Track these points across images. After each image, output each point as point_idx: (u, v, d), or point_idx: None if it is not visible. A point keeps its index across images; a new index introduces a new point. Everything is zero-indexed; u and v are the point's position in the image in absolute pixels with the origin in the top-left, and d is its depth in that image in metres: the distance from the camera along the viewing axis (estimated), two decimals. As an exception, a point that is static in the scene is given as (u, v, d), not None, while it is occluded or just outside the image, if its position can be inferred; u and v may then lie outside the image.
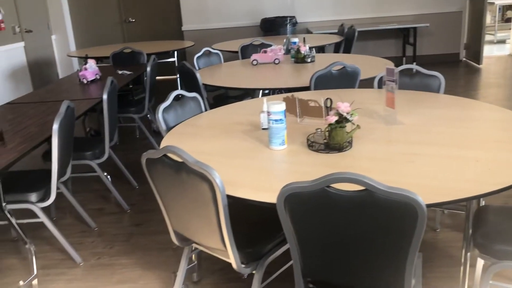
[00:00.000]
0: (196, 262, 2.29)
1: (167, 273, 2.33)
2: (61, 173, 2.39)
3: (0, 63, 6.01)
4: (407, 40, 7.23)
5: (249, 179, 1.61)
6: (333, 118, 1.80)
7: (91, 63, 3.87)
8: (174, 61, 6.08)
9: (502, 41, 9.21)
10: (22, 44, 6.52)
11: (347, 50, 5.51)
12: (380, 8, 7.23)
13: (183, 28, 7.39)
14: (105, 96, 2.84)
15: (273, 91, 4.21)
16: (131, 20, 7.62)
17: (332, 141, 1.83)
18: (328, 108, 1.86)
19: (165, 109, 2.35)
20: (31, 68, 6.69)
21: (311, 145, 1.88)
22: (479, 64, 6.92)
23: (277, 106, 1.85)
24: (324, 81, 3.03)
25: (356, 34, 5.27)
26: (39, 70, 6.96)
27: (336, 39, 5.64)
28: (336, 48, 5.79)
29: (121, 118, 4.90)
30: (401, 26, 6.74)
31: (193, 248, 1.92)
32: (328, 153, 1.81)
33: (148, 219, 2.89)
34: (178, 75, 6.26)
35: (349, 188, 1.26)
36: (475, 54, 7.08)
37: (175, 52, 5.97)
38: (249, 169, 1.70)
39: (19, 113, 2.89)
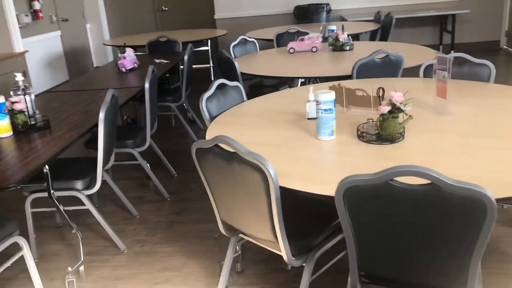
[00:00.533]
0: (240, 252, 2.29)
1: (210, 261, 2.34)
2: (105, 161, 2.41)
3: (38, 52, 6.13)
4: (445, 27, 7.02)
5: (300, 171, 1.58)
6: (385, 108, 1.74)
7: (129, 52, 3.89)
8: (208, 49, 6.07)
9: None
10: (58, 33, 6.62)
11: (384, 38, 5.39)
12: (417, -5, 7.03)
13: (216, 16, 7.36)
14: (147, 85, 2.85)
15: (312, 80, 4.16)
16: (164, 9, 7.63)
17: (384, 132, 1.78)
18: (380, 98, 1.81)
19: (208, 98, 2.34)
20: (67, 57, 6.80)
21: (362, 135, 1.83)
22: (521, 52, 6.66)
23: (326, 95, 1.81)
24: (366, 70, 2.96)
25: (394, 21, 5.14)
26: (75, 58, 7.07)
27: (372, 26, 5.52)
28: (372, 36, 5.66)
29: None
30: (439, 13, 6.54)
31: (240, 239, 1.91)
32: (380, 144, 1.76)
33: (188, 207, 2.90)
34: (211, 64, 6.26)
35: (410, 182, 1.21)
36: (517, 41, 6.82)
37: (209, 41, 5.96)
38: (299, 160, 1.67)
39: (62, 101, 2.93)
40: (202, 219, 2.74)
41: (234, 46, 4.14)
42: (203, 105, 2.29)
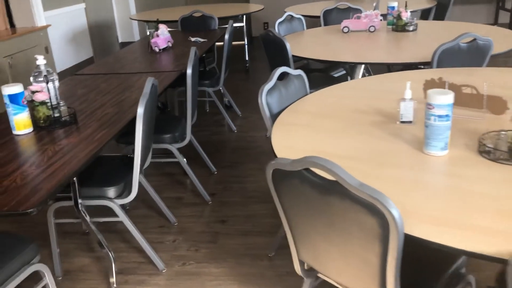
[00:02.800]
0: None
1: (265, 289, 1.94)
2: (142, 163, 2.01)
3: (62, 26, 5.73)
4: (502, 4, 6.37)
5: (419, 205, 1.15)
6: (528, 118, 1.28)
7: (163, 29, 3.45)
8: (243, 26, 5.58)
9: None
10: (83, 5, 6.20)
11: (440, 17, 4.82)
12: (471, -32, 6.38)
13: (249, -10, 6.84)
14: (189, 71, 2.42)
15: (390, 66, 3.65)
16: (194, -19, 7.13)
17: (521, 148, 1.32)
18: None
19: (268, 92, 1.90)
20: (92, 31, 6.40)
21: (486, 151, 1.38)
22: None
23: (444, 97, 1.35)
24: (449, 56, 2.47)
25: (453, -3, 4.56)
26: (99, 33, 6.66)
27: (425, 3, 4.95)
28: (424, 15, 5.09)
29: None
30: (498, -11, 5.90)
31: (315, 278, 1.50)
32: (514, 165, 1.31)
33: (233, 214, 2.50)
34: (245, 42, 5.78)
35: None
36: None
37: (244, 17, 5.47)
38: (409, 187, 1.23)
39: (90, 87, 2.52)
40: (251, 231, 2.33)
41: (279, 23, 3.66)
42: (262, 100, 1.85)
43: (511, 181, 1.23)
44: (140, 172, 1.99)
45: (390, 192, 1.21)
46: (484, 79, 2.07)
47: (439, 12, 4.88)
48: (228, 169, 3.03)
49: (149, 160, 2.26)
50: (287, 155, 1.48)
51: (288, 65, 3.00)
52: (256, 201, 2.60)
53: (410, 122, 1.65)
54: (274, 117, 1.88)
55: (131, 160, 2.20)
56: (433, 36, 3.14)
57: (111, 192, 1.94)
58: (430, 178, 1.28)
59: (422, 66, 2.67)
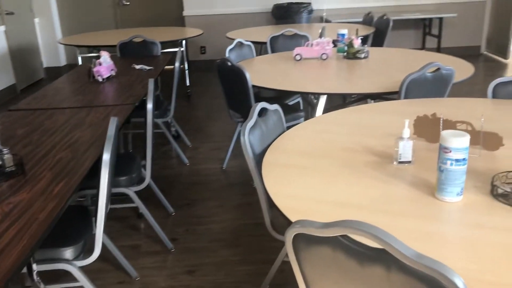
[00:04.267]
0: None
1: None
2: (106, 216, 1.74)
3: (-21, 51, 5.18)
4: (429, 31, 6.72)
5: (452, 264, 1.03)
6: (550, 160, 1.22)
7: (106, 57, 3.17)
8: (182, 51, 5.37)
9: None
10: (3, 28, 5.67)
11: (379, 43, 4.94)
12: (398, -4, 6.68)
13: (185, 13, 6.65)
14: (150, 105, 2.18)
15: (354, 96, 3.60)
16: (125, 3, 6.82)
17: (541, 192, 1.26)
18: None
19: (250, 130, 1.73)
20: (13, 56, 5.86)
21: (502, 195, 1.30)
22: (505, 58, 6.47)
23: (460, 140, 1.26)
24: (416, 87, 2.46)
25: (391, 24, 4.70)
26: (22, 58, 6.12)
27: (363, 29, 5.06)
28: (363, 41, 5.20)
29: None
30: (427, 16, 6.21)
31: None
32: (536, 210, 1.23)
33: (201, 262, 2.27)
34: (186, 67, 5.56)
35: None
36: (498, 47, 6.64)
37: (183, 41, 5.27)
38: (432, 241, 1.11)
39: (32, 125, 2.19)
40: (225, 282, 2.11)
41: (230, 50, 3.51)
42: (246, 139, 1.67)
43: (541, 229, 1.15)
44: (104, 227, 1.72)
45: (415, 249, 1.08)
46: (461, 109, 2.04)
47: (376, 39, 5.01)
48: (187, 208, 2.79)
49: (108, 208, 1.98)
50: (292, 207, 1.31)
51: (247, 95, 2.85)
52: (224, 245, 2.39)
53: (409, 162, 1.55)
54: (257, 156, 1.71)
55: (85, 210, 1.92)
56: (386, 63, 3.15)
57: (69, 253, 1.65)
58: (453, 230, 1.17)
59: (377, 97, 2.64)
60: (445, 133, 1.28)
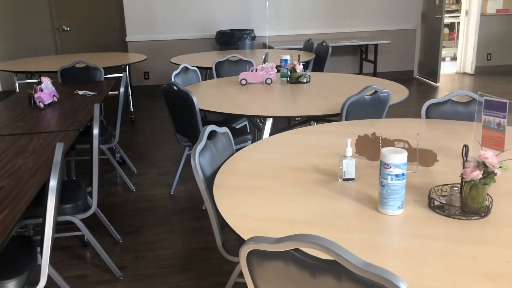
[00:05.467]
0: None
1: None
2: (52, 244, 1.68)
3: None
4: (365, 56, 7.08)
5: (396, 273, 1.10)
6: (478, 173, 1.33)
7: (47, 82, 3.09)
8: (126, 75, 5.32)
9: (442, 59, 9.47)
10: None
11: (319, 69, 5.15)
12: (336, 24, 7.01)
13: (127, 39, 6.61)
14: (96, 130, 2.15)
15: (297, 119, 3.68)
16: (66, 29, 6.68)
17: (472, 203, 1.37)
18: (464, 158, 1.40)
19: (200, 152, 1.75)
20: None
21: (438, 207, 1.40)
22: (436, 82, 6.93)
23: (399, 156, 1.35)
24: (355, 108, 2.59)
25: (330, 50, 4.93)
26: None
27: (303, 55, 5.25)
28: (304, 67, 5.40)
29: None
30: (362, 43, 6.55)
31: None
32: (469, 219, 1.34)
33: (151, 288, 2.23)
34: (130, 93, 5.51)
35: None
36: (429, 72, 7.10)
37: (127, 67, 5.23)
38: (377, 252, 1.18)
39: (-32, 153, 2.10)
40: (176, 306, 2.09)
41: (176, 75, 3.53)
42: (196, 162, 1.69)
43: (475, 237, 1.25)
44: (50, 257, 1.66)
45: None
46: (397, 129, 2.18)
47: (317, 64, 5.22)
48: (134, 235, 2.74)
49: (53, 237, 1.91)
50: (244, 226, 1.34)
51: (194, 119, 2.88)
52: (175, 270, 2.36)
53: (353, 179, 1.63)
54: (207, 179, 1.74)
55: (28, 240, 1.85)
56: (326, 87, 3.29)
57: (12, 285, 1.58)
58: (396, 241, 1.24)
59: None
60: (385, 150, 1.37)
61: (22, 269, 1.63)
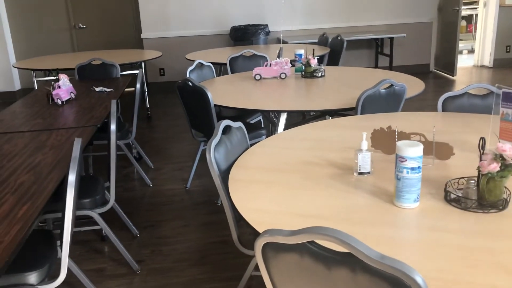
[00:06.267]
0: None
1: None
2: (71, 237, 1.72)
3: None
4: (381, 50, 7.02)
5: (414, 266, 1.09)
6: (495, 166, 1.32)
7: (65, 79, 3.14)
8: (142, 72, 5.36)
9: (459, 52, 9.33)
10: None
11: (334, 63, 5.13)
12: (351, 18, 6.96)
13: (143, 35, 6.66)
14: (113, 126, 2.18)
15: (309, 113, 3.69)
16: (82, 26, 6.76)
17: (489, 196, 1.35)
18: (481, 150, 1.39)
19: (215, 147, 1.76)
20: (-36, 81, 5.67)
21: (455, 200, 1.39)
22: (453, 75, 6.84)
23: (414, 149, 1.35)
24: (371, 102, 2.57)
25: (345, 44, 4.89)
26: (-27, 83, 5.93)
27: (318, 50, 5.23)
28: (319, 61, 5.37)
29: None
30: (378, 36, 6.49)
31: None
32: (486, 212, 1.33)
33: (168, 282, 2.26)
34: (146, 89, 5.55)
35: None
36: (446, 65, 7.01)
37: (143, 63, 5.28)
38: (393, 246, 1.18)
39: (-11, 149, 2.14)
40: (193, 300, 2.12)
41: (191, 71, 3.56)
42: (211, 156, 1.71)
43: (492, 231, 1.24)
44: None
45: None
46: (414, 123, 2.16)
47: (332, 58, 5.19)
48: (151, 229, 2.77)
49: (73, 230, 1.95)
50: (260, 219, 1.35)
51: (209, 115, 2.89)
52: (191, 264, 2.39)
53: (368, 173, 1.63)
54: (222, 173, 1.75)
55: (48, 234, 1.89)
56: (341, 81, 3.28)
57: (34, 278, 1.62)
58: (412, 234, 1.24)
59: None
60: (400, 143, 1.37)
61: (43, 262, 1.67)
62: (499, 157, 1.33)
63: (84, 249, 2.59)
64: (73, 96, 3.19)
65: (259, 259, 1.12)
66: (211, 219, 2.87)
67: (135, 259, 2.45)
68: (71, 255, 2.52)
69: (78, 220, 2.71)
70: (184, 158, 3.97)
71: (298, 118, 4.87)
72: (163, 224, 2.83)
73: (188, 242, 2.61)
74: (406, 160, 1.35)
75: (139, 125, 5.06)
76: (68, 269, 2.03)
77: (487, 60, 7.56)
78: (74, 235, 2.75)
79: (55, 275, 1.68)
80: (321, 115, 3.79)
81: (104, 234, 2.70)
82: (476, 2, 9.16)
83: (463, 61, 8.16)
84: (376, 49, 7.08)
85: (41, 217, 2.22)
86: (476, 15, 8.46)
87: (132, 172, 3.70)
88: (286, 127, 2.48)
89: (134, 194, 3.29)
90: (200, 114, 3.00)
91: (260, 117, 3.82)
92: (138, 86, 3.20)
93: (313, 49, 3.81)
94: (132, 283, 2.26)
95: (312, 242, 1.03)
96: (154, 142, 4.47)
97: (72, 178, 1.54)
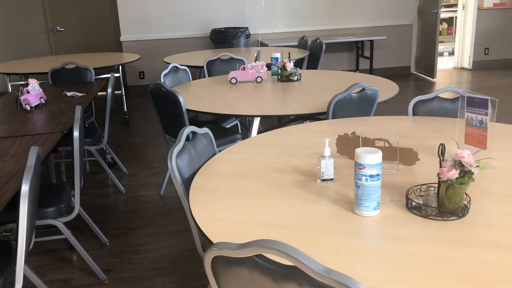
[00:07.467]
0: None
1: None
2: (27, 250, 1.66)
3: None
4: (361, 53, 7.04)
5: (364, 277, 1.07)
6: (454, 173, 1.30)
7: (34, 84, 3.07)
8: (119, 76, 5.31)
9: (440, 54, 9.42)
10: None
11: (313, 66, 5.12)
12: (332, 21, 6.97)
13: (122, 38, 6.59)
14: (76, 133, 2.13)
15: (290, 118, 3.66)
16: (60, 29, 6.67)
17: (449, 203, 1.34)
18: (441, 157, 1.37)
19: (178, 154, 1.72)
20: None
21: (415, 207, 1.37)
22: (433, 77, 6.88)
23: (373, 156, 1.32)
24: (342, 107, 2.56)
25: (324, 47, 4.89)
26: None
27: (297, 53, 5.22)
28: (298, 64, 5.36)
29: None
30: (358, 39, 6.51)
31: None
32: (446, 220, 1.31)
33: (136, 291, 2.21)
34: (123, 92, 5.49)
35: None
36: (426, 67, 7.05)
37: (120, 67, 5.21)
38: (349, 255, 1.15)
39: None
40: (161, 309, 2.07)
41: (165, 75, 3.51)
42: (173, 164, 1.67)
43: (451, 238, 1.22)
44: (25, 261, 1.64)
45: (333, 264, 1.12)
46: (383, 127, 2.14)
47: (311, 61, 5.19)
48: (122, 237, 2.72)
49: (33, 241, 1.90)
50: (217, 230, 1.31)
51: (182, 119, 2.85)
52: (161, 273, 2.34)
53: (332, 179, 1.60)
54: (186, 181, 1.71)
55: (7, 245, 1.83)
56: (317, 85, 3.26)
57: (-12, 291, 1.56)
58: (370, 243, 1.22)
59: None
60: (359, 150, 1.35)
61: (-2, 275, 1.61)
62: (458, 164, 1.31)
63: (51, 258, 2.53)
64: (43, 101, 3.12)
65: (208, 273, 1.09)
66: (184, 226, 2.82)
67: (103, 268, 2.39)
68: (37, 265, 2.45)
69: (45, 229, 2.65)
70: (160, 163, 3.92)
71: (275, 122, 4.85)
72: (134, 232, 2.77)
73: (159, 250, 2.56)
74: (364, 168, 1.33)
75: (116, 130, 4.99)
76: (30, 281, 1.97)
77: (467, 62, 7.63)
78: (41, 244, 2.68)
79: (12, 288, 1.62)
80: (297, 119, 3.77)
81: (73, 243, 2.64)
82: (456, 5, 9.25)
83: (444, 63, 8.23)
84: (357, 52, 7.10)
85: (5, 227, 2.16)
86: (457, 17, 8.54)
87: (106, 178, 3.63)
88: (262, 132, 2.45)
89: (107, 201, 3.23)
90: (172, 119, 2.96)
91: (237, 122, 3.78)
92: (109, 90, 3.15)
93: (289, 53, 3.79)
94: (99, 293, 2.21)
95: (260, 256, 0.99)
96: (130, 146, 4.41)
97: (25, 188, 1.49)
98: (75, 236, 2.42)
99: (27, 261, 1.97)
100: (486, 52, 7.53)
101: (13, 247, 1.83)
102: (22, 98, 2.96)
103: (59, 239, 2.69)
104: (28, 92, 3.00)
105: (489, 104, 1.64)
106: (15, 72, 4.55)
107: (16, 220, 1.98)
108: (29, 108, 2.97)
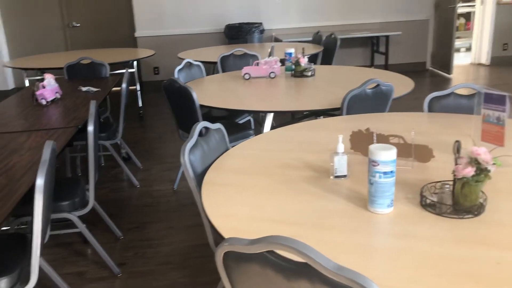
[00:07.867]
0: None
1: None
2: (42, 243, 1.68)
3: None
4: (376, 48, 6.97)
5: (379, 275, 1.06)
6: (470, 170, 1.28)
7: (50, 79, 3.10)
8: (134, 71, 5.33)
9: (457, 50, 9.28)
10: None
11: (327, 61, 5.08)
12: (346, 16, 6.91)
13: (137, 34, 6.62)
14: (90, 128, 2.15)
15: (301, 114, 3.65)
16: (76, 25, 6.73)
17: (464, 201, 1.32)
18: (457, 154, 1.35)
19: (191, 150, 1.73)
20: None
21: (430, 205, 1.36)
22: (449, 73, 6.78)
23: (387, 153, 1.31)
24: (357, 102, 2.53)
25: (339, 43, 4.85)
26: (-34, 82, 5.90)
27: (312, 48, 5.19)
28: (312, 59, 5.32)
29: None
30: (373, 34, 6.45)
31: None
32: (461, 218, 1.29)
33: (148, 285, 2.22)
34: (138, 88, 5.52)
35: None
36: (442, 63, 6.95)
37: (134, 62, 5.24)
38: (362, 254, 1.14)
39: (-35, 151, 2.11)
40: (173, 303, 2.08)
41: (179, 70, 3.52)
42: (185, 159, 1.67)
43: (465, 236, 1.20)
44: (40, 253, 1.66)
45: (344, 262, 1.11)
46: (397, 124, 2.12)
47: (325, 57, 5.15)
48: (135, 231, 2.74)
49: (48, 234, 1.92)
50: (228, 225, 1.31)
51: (196, 115, 2.86)
52: (173, 268, 2.35)
53: (345, 176, 1.59)
54: (198, 176, 1.71)
55: (23, 237, 1.86)
56: (331, 80, 3.24)
57: (3, 283, 1.59)
58: (383, 241, 1.20)
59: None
60: (372, 147, 1.33)
61: (14, 267, 1.63)
62: (474, 161, 1.29)
63: (66, 251, 2.56)
64: (59, 96, 3.15)
65: (220, 268, 1.09)
66: (196, 221, 2.83)
67: (117, 262, 2.42)
68: (52, 258, 2.49)
69: (59, 223, 2.68)
70: (174, 158, 3.94)
71: (288, 118, 4.83)
72: (147, 226, 2.79)
73: (172, 244, 2.58)
74: (378, 164, 1.31)
75: (131, 125, 5.02)
76: (46, 273, 1.99)
77: (484, 58, 7.50)
78: (56, 237, 2.71)
79: (28, 280, 1.65)
80: (311, 115, 3.75)
81: (87, 236, 2.67)
82: None
83: (461, 59, 8.11)
84: (372, 48, 7.03)
85: (21, 219, 2.19)
86: (475, 12, 8.40)
87: (120, 172, 3.66)
88: (275, 127, 2.44)
89: (121, 195, 3.26)
90: (186, 115, 2.97)
91: (250, 117, 3.78)
92: (124, 86, 3.17)
93: (303, 48, 3.76)
94: (112, 287, 2.23)
95: (271, 252, 0.99)
96: (145, 141, 4.44)
97: (40, 182, 1.50)
98: (89, 230, 2.44)
99: (42, 254, 1.99)
100: (505, 48, 7.39)
101: (29, 239, 1.86)
102: (38, 93, 2.99)
103: (73, 233, 2.72)
104: (44, 87, 3.03)
105: (507, 100, 1.61)
106: (31, 67, 4.60)
107: (31, 213, 2.01)
108: (44, 103, 3.00)
